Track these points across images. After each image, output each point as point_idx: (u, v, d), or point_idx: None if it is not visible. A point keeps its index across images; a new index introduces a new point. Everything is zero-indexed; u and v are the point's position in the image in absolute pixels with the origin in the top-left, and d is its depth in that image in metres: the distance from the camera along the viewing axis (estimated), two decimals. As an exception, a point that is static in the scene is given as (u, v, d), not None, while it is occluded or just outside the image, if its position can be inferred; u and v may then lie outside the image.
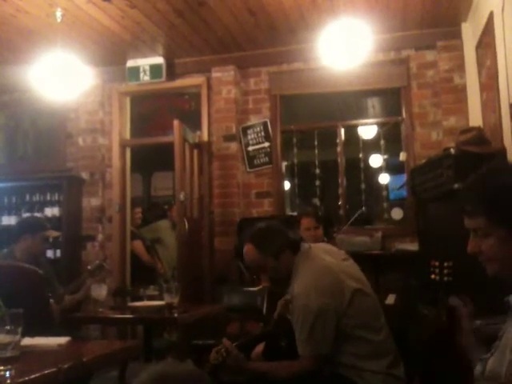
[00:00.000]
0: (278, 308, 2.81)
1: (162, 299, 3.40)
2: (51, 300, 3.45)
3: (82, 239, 5.70)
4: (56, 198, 5.67)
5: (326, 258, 2.49)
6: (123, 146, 5.85)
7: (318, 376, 2.28)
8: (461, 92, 4.92)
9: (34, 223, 3.84)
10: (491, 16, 3.77)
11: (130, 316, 3.45)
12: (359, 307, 2.33)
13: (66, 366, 1.83)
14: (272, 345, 2.73)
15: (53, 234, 3.94)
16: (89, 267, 3.93)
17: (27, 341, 2.09)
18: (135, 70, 5.59)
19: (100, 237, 5.71)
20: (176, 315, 3.20)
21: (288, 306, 2.58)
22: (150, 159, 7.78)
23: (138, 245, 5.89)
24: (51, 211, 5.60)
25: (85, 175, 5.79)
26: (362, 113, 6.75)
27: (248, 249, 2.47)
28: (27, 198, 5.73)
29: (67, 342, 2.21)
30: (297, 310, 2.33)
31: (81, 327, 4.74)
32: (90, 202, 5.75)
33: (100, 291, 3.52)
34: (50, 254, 5.27)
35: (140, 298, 3.72)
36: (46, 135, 6.03)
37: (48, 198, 5.70)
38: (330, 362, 2.30)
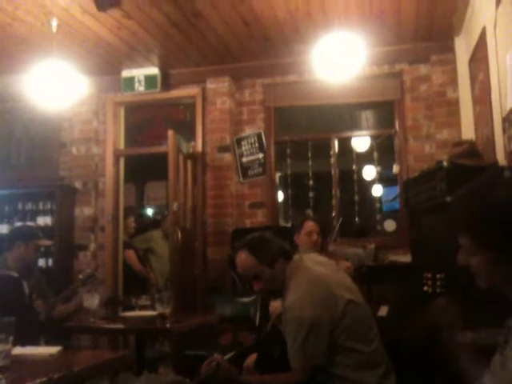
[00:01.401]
0: (270, 319, 2.81)
1: (153, 309, 3.39)
2: (38, 301, 3.45)
3: (74, 248, 5.67)
4: (48, 206, 5.63)
5: (318, 269, 2.48)
6: (117, 155, 5.84)
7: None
8: (454, 106, 4.96)
9: (27, 232, 3.84)
10: (484, 31, 3.80)
11: (122, 326, 3.43)
12: (352, 318, 2.32)
13: (56, 375, 1.82)
14: (264, 356, 2.72)
15: (45, 242, 3.92)
16: (80, 276, 3.92)
17: (18, 350, 2.08)
18: (130, 80, 5.60)
19: (92, 246, 5.68)
20: (168, 325, 3.18)
21: (281, 318, 2.57)
22: (143, 169, 7.77)
23: (131, 254, 5.88)
24: (43, 220, 5.56)
25: (78, 184, 5.76)
26: (355, 125, 6.79)
27: (243, 257, 2.45)
28: (19, 206, 5.69)
29: (58, 351, 2.19)
30: (290, 321, 2.31)
31: (72, 336, 4.70)
32: (83, 211, 5.73)
33: (92, 301, 3.50)
34: (41, 263, 5.22)
35: (132, 308, 3.70)
36: (39, 144, 6.01)
37: (40, 206, 5.65)
38: (322, 373, 2.30)
